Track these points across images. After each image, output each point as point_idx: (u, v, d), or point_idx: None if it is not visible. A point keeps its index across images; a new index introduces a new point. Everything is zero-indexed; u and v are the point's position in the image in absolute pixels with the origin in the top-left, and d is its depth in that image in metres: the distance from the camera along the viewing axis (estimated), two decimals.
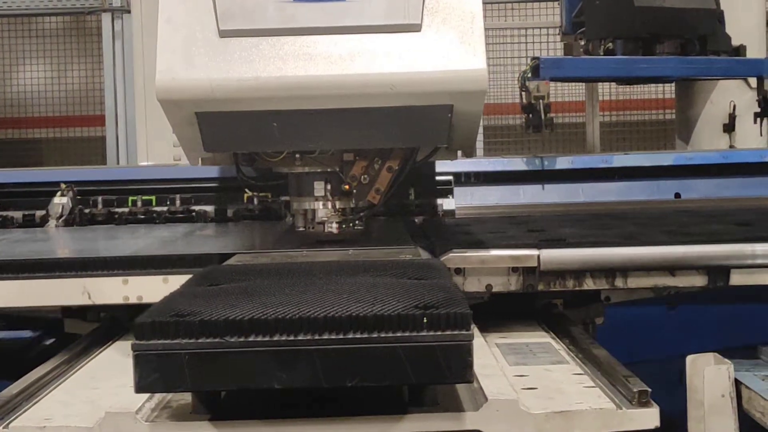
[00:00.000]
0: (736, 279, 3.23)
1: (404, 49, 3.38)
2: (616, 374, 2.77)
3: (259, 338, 2.27)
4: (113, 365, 3.11)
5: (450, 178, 4.70)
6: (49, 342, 4.18)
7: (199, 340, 2.27)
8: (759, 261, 3.22)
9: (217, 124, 3.44)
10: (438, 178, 4.71)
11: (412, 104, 3.43)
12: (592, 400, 2.62)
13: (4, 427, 2.52)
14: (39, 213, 4.57)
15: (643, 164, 4.78)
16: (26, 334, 4.48)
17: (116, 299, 3.25)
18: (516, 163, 4.79)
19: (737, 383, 3.20)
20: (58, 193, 4.57)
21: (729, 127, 6.66)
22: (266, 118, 3.44)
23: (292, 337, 2.28)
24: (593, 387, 2.76)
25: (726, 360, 3.22)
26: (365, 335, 2.28)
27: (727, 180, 5.12)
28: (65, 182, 4.62)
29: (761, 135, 6.58)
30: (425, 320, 2.29)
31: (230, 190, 4.56)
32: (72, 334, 3.59)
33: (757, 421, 3.07)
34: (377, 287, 2.68)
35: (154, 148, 7.12)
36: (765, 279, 3.26)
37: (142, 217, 4.62)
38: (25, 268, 3.33)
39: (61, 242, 4.12)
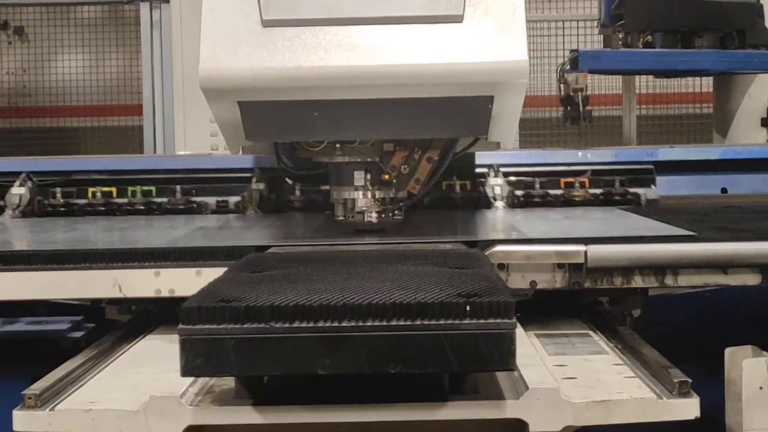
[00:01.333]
0: None
1: (446, 40, 3.38)
2: (656, 365, 2.77)
3: (304, 324, 2.29)
4: (154, 352, 3.12)
5: (651, 167, 4.66)
6: (89, 327, 4.18)
7: (245, 326, 2.29)
8: None
9: (259, 114, 3.46)
10: (640, 167, 4.68)
11: (453, 95, 3.44)
12: (632, 390, 2.62)
13: (50, 410, 2.55)
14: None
15: (688, 158, 4.72)
16: (65, 322, 4.51)
17: (148, 292, 3.23)
18: (557, 156, 4.74)
19: None
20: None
21: (767, 122, 6.63)
22: (308, 107, 3.45)
23: (336, 324, 2.29)
24: (633, 377, 2.77)
25: (764, 352, 3.23)
26: (408, 322, 2.29)
27: None
28: (101, 171, 4.63)
29: None
30: (468, 308, 2.30)
31: (270, 180, 4.52)
32: (112, 320, 3.60)
33: None
34: (419, 275, 2.69)
35: (191, 138, 7.15)
36: None
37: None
38: (54, 260, 3.30)
39: (92, 233, 4.11)
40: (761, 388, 3.15)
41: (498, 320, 2.29)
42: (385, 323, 2.29)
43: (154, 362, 2.97)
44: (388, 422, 2.47)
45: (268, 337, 2.28)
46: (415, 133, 3.60)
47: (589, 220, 4.19)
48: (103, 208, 4.61)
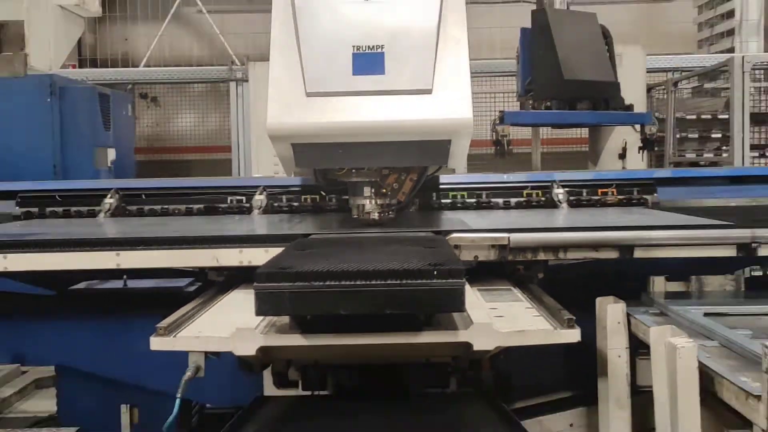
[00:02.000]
0: (638, 253, 3.21)
1: (421, 105, 3.38)
2: (553, 308, 2.78)
3: (332, 283, 2.30)
4: (238, 301, 3.12)
5: (550, 183, 4.54)
6: (197, 286, 4.17)
7: (295, 284, 2.30)
8: (654, 242, 3.20)
9: (304, 151, 3.48)
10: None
11: (425, 139, 3.45)
12: (538, 324, 2.64)
13: (173, 336, 2.58)
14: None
15: (573, 178, 4.62)
16: (183, 282, 4.51)
17: (234, 263, 3.21)
18: (491, 177, 4.73)
19: (629, 315, 3.22)
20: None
21: (622, 156, 6.69)
22: (334, 147, 3.46)
23: (351, 282, 2.31)
24: (538, 316, 2.77)
25: (621, 300, 3.25)
26: (397, 281, 2.30)
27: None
28: (196, 188, 4.69)
29: (642, 161, 6.63)
30: (435, 272, 2.32)
31: (309, 192, 4.53)
32: (212, 281, 3.59)
33: (640, 339, 3.09)
34: (404, 252, 2.69)
35: (261, 166, 7.18)
36: (662, 252, 3.23)
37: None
38: (176, 242, 3.32)
39: (201, 226, 4.10)
40: (619, 323, 3.17)
41: (453, 280, 2.31)
42: (382, 282, 2.31)
43: (238, 307, 2.97)
44: (385, 344, 2.49)
45: (309, 291, 2.30)
46: (401, 163, 3.61)
47: (513, 216, 4.18)
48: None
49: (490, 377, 3.38)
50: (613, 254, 3.22)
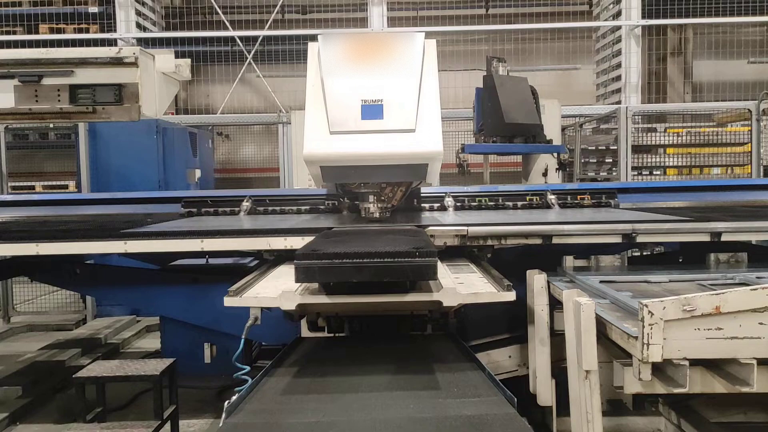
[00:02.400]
0: (556, 239, 3.20)
1: (407, 140, 3.35)
2: (497, 277, 2.76)
3: (347, 260, 2.30)
4: (283, 273, 3.09)
5: (497, 193, 4.51)
6: (255, 263, 4.15)
7: (323, 261, 2.30)
8: (566, 232, 3.20)
9: (329, 171, 3.46)
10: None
11: (411, 163, 3.41)
12: (487, 288, 2.62)
13: (239, 297, 2.57)
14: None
15: (511, 190, 4.57)
16: (246, 259, 4.50)
17: (281, 247, 3.22)
18: (458, 188, 4.66)
19: (548, 282, 3.21)
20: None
21: (545, 174, 6.64)
22: (350, 168, 3.44)
23: (360, 260, 2.31)
24: (487, 283, 2.76)
25: (543, 272, 3.24)
26: (391, 260, 2.30)
27: None
28: (254, 196, 4.61)
29: (558, 178, 6.60)
30: (417, 253, 2.32)
31: (332, 198, 4.48)
32: (266, 259, 3.57)
33: (556, 297, 3.08)
34: (397, 239, 2.69)
35: (300, 181, 7.15)
36: (571, 240, 3.23)
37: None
38: (238, 233, 3.34)
39: (257, 222, 4.07)
40: (542, 287, 3.16)
41: (429, 259, 2.30)
42: (380, 260, 2.30)
43: (282, 278, 2.95)
44: (383, 302, 2.48)
45: (332, 266, 2.29)
46: (395, 179, 3.59)
47: (473, 216, 4.07)
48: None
49: (454, 324, 3.39)
50: (538, 241, 3.21)
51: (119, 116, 3.28)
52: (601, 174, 7.73)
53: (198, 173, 6.83)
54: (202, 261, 4.50)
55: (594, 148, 7.79)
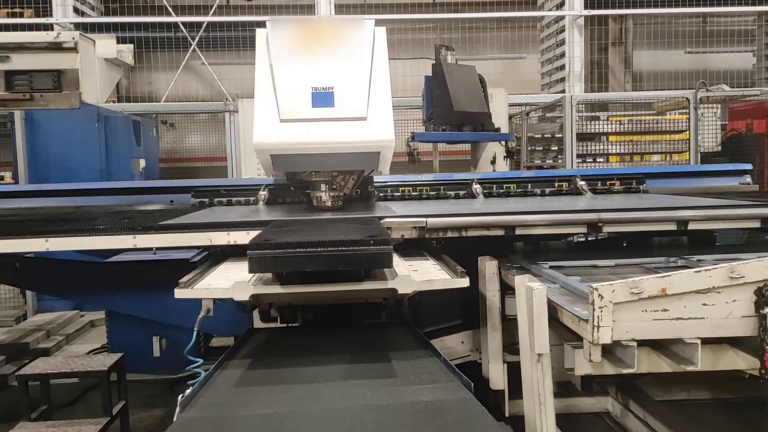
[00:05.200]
0: (519, 231, 3.15)
1: (359, 128, 3.32)
2: (452, 265, 2.77)
3: (299, 250, 2.27)
4: (230, 267, 2.99)
5: (451, 181, 4.49)
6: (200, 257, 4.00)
7: (276, 251, 2.27)
8: (531, 223, 3.17)
9: (279, 159, 3.39)
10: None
11: (362, 152, 3.37)
12: (442, 275, 2.64)
13: (191, 288, 2.51)
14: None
15: (460, 178, 4.54)
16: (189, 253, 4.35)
17: (223, 242, 3.04)
18: (410, 177, 4.59)
19: (499, 269, 3.24)
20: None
21: (493, 162, 6.68)
22: (300, 156, 3.38)
23: (313, 249, 2.28)
24: (441, 270, 2.77)
25: (494, 258, 3.27)
26: (345, 248, 2.28)
27: None
28: (201, 187, 4.41)
29: (506, 166, 6.66)
30: (371, 242, 2.31)
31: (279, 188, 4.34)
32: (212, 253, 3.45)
33: (508, 283, 3.11)
34: (351, 228, 2.67)
35: (249, 170, 7.02)
36: (535, 231, 3.18)
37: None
38: (178, 228, 3.10)
39: (204, 217, 3.94)
40: (493, 273, 3.20)
41: (384, 247, 2.30)
42: (335, 249, 2.28)
43: (232, 271, 2.88)
44: (337, 291, 2.46)
45: (285, 255, 2.26)
46: (347, 167, 3.55)
47: (428, 206, 3.98)
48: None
49: (409, 312, 3.39)
50: (500, 232, 3.17)
51: (58, 103, 3.15)
52: (547, 162, 7.86)
53: (142, 163, 6.64)
54: (144, 255, 4.36)
55: (540, 136, 7.91)
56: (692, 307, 2.17)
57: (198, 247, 3.95)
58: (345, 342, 2.76)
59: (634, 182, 4.48)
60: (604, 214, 3.16)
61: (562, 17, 9.10)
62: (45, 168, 5.99)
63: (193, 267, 3.92)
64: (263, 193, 4.30)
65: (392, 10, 10.29)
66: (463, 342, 3.72)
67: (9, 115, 5.97)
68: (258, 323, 3.15)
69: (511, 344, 3.50)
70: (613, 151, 7.29)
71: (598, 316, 2.13)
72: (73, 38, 3.15)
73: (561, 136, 7.56)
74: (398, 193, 4.43)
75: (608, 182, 4.48)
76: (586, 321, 2.19)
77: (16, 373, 2.94)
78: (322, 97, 3.36)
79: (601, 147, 7.59)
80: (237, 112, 7.70)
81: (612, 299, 2.13)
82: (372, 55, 3.45)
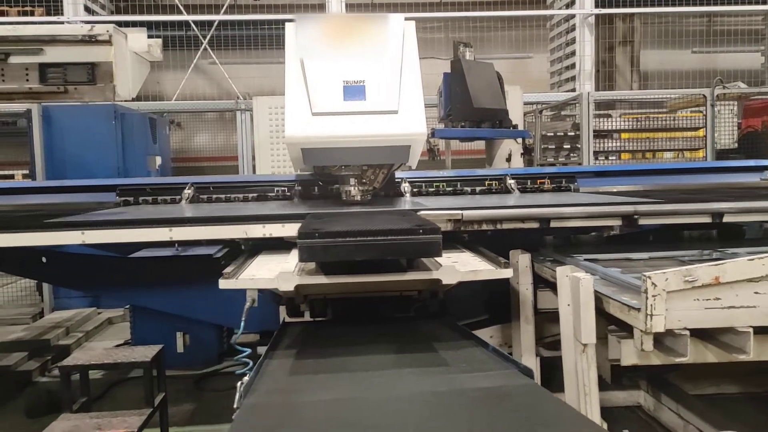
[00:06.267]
0: (554, 223, 3.14)
1: (390, 121, 3.30)
2: (492, 256, 2.77)
3: (349, 239, 2.27)
4: (268, 259, 3.02)
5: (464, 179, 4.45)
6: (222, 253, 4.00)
7: (325, 240, 2.26)
8: (567, 215, 3.15)
9: (310, 153, 3.37)
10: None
11: (393, 145, 3.36)
12: (485, 266, 2.63)
13: (236, 279, 2.50)
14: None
15: (476, 174, 4.54)
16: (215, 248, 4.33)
17: (259, 234, 3.02)
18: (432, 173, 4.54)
19: (533, 262, 3.24)
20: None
21: (509, 159, 6.67)
22: (331, 150, 3.36)
23: (363, 238, 2.28)
24: (482, 261, 2.76)
25: (526, 252, 3.27)
26: (395, 237, 2.28)
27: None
28: (212, 183, 4.31)
29: (523, 164, 6.66)
30: (421, 231, 2.30)
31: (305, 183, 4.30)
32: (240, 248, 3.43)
33: (541, 276, 3.11)
34: (391, 219, 2.66)
35: (262, 168, 6.99)
36: (571, 223, 3.17)
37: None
38: (214, 220, 3.09)
39: (227, 211, 3.91)
40: (527, 267, 3.20)
41: (434, 235, 2.30)
42: (385, 238, 2.28)
43: (270, 263, 2.89)
44: (381, 281, 2.46)
45: (334, 244, 2.26)
46: (377, 161, 3.52)
47: (462, 199, 4.01)
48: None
49: (436, 305, 3.37)
50: (534, 225, 3.15)
51: (93, 96, 3.14)
52: (559, 159, 7.86)
53: (159, 160, 6.62)
54: (164, 251, 4.33)
55: (552, 134, 7.91)
56: (744, 295, 2.16)
57: (222, 242, 3.97)
58: (382, 333, 2.74)
59: (564, 181, 4.45)
60: (641, 206, 3.14)
61: (573, 16, 9.11)
62: (62, 165, 5.97)
63: (218, 262, 3.96)
64: (188, 192, 4.16)
65: (400, 9, 10.29)
66: (492, 336, 3.71)
67: (26, 112, 5.95)
68: (284, 318, 3.13)
69: (541, 338, 3.51)
70: (627, 149, 7.29)
71: (651, 305, 2.12)
72: (108, 31, 3.14)
73: (573, 134, 7.56)
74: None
75: (539, 181, 4.47)
76: (638, 310, 2.19)
77: (58, 365, 2.93)
78: (354, 91, 3.35)
79: (613, 144, 7.59)
80: (249, 110, 7.70)
81: (665, 288, 2.12)
82: (402, 48, 3.45)
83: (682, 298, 2.15)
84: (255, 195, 4.31)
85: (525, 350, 3.28)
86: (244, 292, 2.54)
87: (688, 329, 2.17)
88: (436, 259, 2.62)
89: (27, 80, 3.10)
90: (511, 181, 4.40)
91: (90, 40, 3.12)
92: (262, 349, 2.56)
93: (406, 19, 3.60)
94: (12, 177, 8.10)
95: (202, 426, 3.65)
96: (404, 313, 3.20)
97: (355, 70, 3.38)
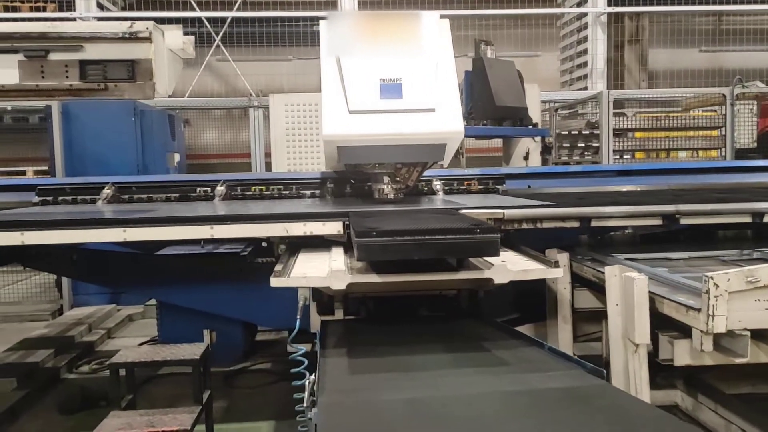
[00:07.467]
0: (595, 222, 3.13)
1: (428, 120, 3.28)
2: (542, 257, 2.75)
3: (407, 238, 2.25)
4: (310, 257, 2.95)
5: (496, 176, 4.34)
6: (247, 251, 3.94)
7: (383, 239, 2.25)
8: (607, 215, 3.14)
9: (346, 151, 3.35)
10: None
11: (429, 143, 3.34)
12: (535, 266, 2.59)
13: (288, 277, 2.47)
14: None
15: (496, 173, 4.41)
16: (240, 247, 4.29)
17: (300, 232, 2.97)
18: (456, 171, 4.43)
19: (571, 261, 3.23)
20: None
21: (526, 158, 6.68)
22: (367, 148, 3.34)
23: (420, 237, 2.26)
24: (529, 261, 2.73)
25: (564, 251, 3.25)
26: (453, 236, 2.26)
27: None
28: (229, 181, 4.17)
29: (541, 163, 6.65)
30: (478, 230, 2.29)
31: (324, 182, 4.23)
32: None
33: (579, 275, 3.10)
34: (436, 218, 2.64)
35: (278, 165, 6.96)
36: (611, 222, 3.16)
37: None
38: (255, 218, 3.03)
39: (250, 209, 3.85)
40: (564, 266, 3.18)
41: (492, 234, 2.28)
42: (443, 237, 2.26)
43: (312, 260, 2.84)
44: (434, 280, 2.44)
45: (392, 243, 2.24)
46: (413, 159, 3.49)
47: (489, 199, 3.91)
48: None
49: (472, 304, 3.36)
50: (575, 224, 3.14)
51: (133, 93, 3.12)
52: (573, 158, 7.85)
53: (177, 157, 6.60)
54: (188, 249, 4.31)
55: (567, 132, 7.90)
56: None
57: (246, 240, 3.94)
58: (425, 332, 2.70)
59: (491, 182, 4.36)
60: (682, 206, 3.13)
61: (584, 14, 9.10)
62: (81, 162, 5.95)
63: (243, 260, 3.93)
64: (107, 191, 3.92)
65: (412, 7, 10.26)
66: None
67: (45, 108, 5.92)
68: (315, 316, 3.08)
69: (577, 337, 3.49)
70: (643, 147, 7.28)
71: (713, 305, 2.11)
72: (148, 28, 3.12)
73: (588, 132, 7.55)
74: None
75: (466, 182, 4.40)
76: (697, 310, 2.18)
77: (108, 362, 2.91)
78: (391, 89, 3.33)
79: (628, 143, 7.58)
80: (262, 107, 7.67)
81: (727, 288, 2.11)
82: (437, 46, 3.44)
83: (743, 299, 2.15)
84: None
85: (564, 348, 3.26)
86: (270, 290, 2.47)
87: (748, 330, 2.16)
88: (486, 258, 2.60)
89: (67, 77, 3.08)
90: (437, 183, 4.33)
91: (130, 38, 3.10)
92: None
93: (441, 17, 3.58)
94: (24, 173, 8.07)
95: (241, 423, 3.62)
96: (438, 311, 3.18)
97: (392, 68, 3.36)
